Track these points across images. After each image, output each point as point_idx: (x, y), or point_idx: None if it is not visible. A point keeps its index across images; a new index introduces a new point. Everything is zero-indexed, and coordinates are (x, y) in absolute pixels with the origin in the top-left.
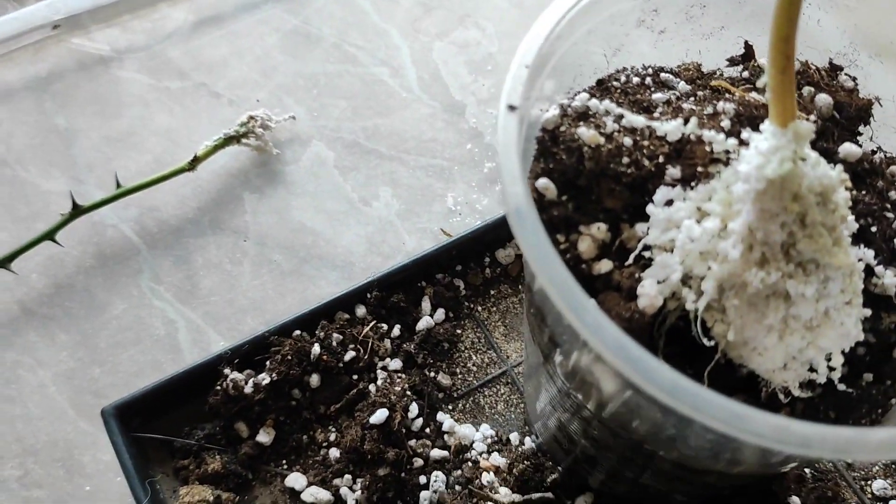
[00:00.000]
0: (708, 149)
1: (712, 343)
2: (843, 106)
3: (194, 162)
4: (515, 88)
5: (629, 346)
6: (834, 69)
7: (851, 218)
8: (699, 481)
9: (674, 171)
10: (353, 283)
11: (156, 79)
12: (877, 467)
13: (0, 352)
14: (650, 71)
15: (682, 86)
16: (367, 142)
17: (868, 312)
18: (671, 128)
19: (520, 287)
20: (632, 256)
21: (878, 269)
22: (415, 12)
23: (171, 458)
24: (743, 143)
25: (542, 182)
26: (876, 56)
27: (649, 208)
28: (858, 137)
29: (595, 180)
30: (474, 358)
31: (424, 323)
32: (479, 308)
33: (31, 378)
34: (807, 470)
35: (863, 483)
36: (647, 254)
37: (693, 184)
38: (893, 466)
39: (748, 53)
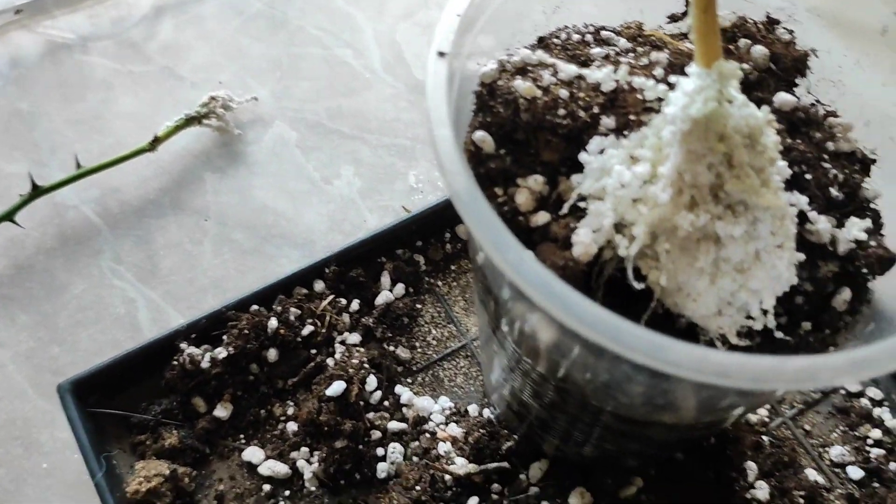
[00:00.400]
0: (640, 97)
1: (643, 286)
2: (779, 57)
3: (155, 142)
4: (446, 36)
5: (551, 282)
6: (771, 23)
7: (783, 163)
8: (645, 436)
9: (608, 121)
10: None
11: (120, 63)
12: (835, 433)
13: None
14: (591, 29)
15: (623, 43)
16: (329, 122)
17: (802, 257)
18: (602, 75)
19: None
20: (566, 206)
21: (812, 214)
22: None
23: (128, 433)
24: (673, 88)
25: (479, 135)
26: (813, 10)
27: (582, 156)
28: (795, 89)
29: (532, 133)
30: (434, 332)
31: (384, 297)
32: (440, 283)
33: None
34: (764, 437)
35: (821, 450)
36: (582, 204)
37: (626, 132)
38: (852, 433)
39: (688, 11)
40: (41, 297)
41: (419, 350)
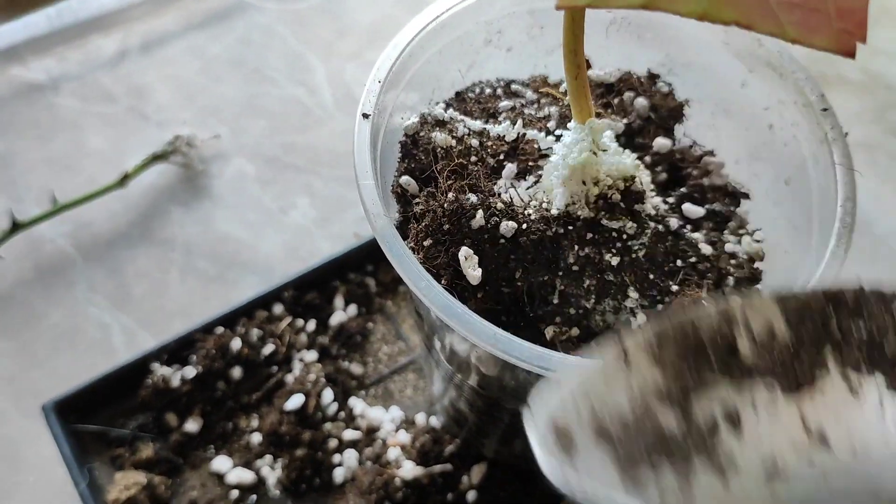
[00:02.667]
0: (537, 146)
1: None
2: (658, 107)
3: (124, 179)
4: (369, 100)
5: (451, 302)
6: (652, 77)
7: (658, 199)
8: None
9: (511, 167)
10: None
11: (88, 104)
12: None
13: None
14: (502, 83)
15: (530, 95)
16: (285, 156)
17: None
18: (501, 129)
19: None
20: None
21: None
22: (329, 37)
23: (107, 448)
24: (559, 140)
25: (405, 179)
26: (687, 66)
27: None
28: (674, 133)
29: None
30: (385, 348)
31: (338, 318)
32: (389, 303)
33: None
34: None
35: None
36: None
37: (527, 176)
38: None
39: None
40: (21, 325)
41: (371, 365)
